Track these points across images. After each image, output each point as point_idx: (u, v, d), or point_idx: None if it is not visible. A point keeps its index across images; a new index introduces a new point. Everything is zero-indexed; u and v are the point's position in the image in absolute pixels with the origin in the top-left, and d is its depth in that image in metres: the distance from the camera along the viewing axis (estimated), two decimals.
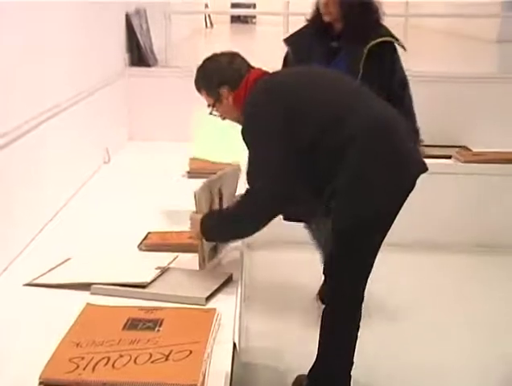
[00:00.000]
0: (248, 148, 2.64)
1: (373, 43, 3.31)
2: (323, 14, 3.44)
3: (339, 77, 2.85)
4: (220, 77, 2.74)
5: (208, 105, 2.83)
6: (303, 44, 3.49)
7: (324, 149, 2.57)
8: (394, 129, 2.69)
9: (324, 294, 2.86)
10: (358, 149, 2.55)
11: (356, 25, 3.34)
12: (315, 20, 3.49)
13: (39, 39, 3.08)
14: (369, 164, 2.58)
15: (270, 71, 2.84)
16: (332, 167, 2.58)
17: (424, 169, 2.74)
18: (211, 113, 2.86)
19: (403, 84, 3.55)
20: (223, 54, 2.82)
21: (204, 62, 2.85)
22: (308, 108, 2.60)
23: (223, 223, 2.61)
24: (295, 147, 2.56)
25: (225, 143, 3.31)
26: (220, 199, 2.74)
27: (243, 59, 2.81)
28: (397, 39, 3.46)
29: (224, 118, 2.85)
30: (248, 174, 2.62)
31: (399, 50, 3.54)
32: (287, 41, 3.64)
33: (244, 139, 2.64)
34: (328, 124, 2.58)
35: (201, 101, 2.90)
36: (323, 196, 2.63)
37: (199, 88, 2.85)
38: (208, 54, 2.87)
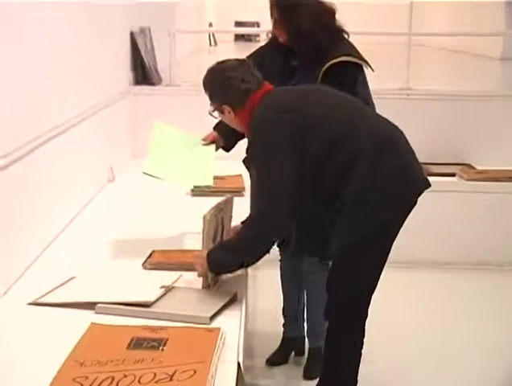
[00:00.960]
0: (255, 164, 2.64)
1: (329, 64, 3.09)
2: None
3: (340, 95, 2.85)
4: (226, 97, 2.73)
5: (211, 104, 2.83)
6: (265, 62, 3.26)
7: (333, 163, 2.57)
8: (398, 144, 2.71)
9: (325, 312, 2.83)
10: (367, 161, 2.56)
11: (309, 46, 3.14)
12: (274, 39, 3.31)
13: (43, 57, 3.10)
14: (379, 174, 2.59)
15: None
16: (341, 181, 2.58)
17: (427, 185, 2.74)
18: (210, 114, 2.86)
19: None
20: (238, 66, 2.75)
21: (217, 70, 2.79)
22: (315, 125, 2.60)
23: (231, 255, 2.57)
24: (302, 164, 2.55)
25: (184, 164, 3.19)
26: (222, 228, 2.72)
27: (254, 71, 2.76)
28: (361, 59, 3.19)
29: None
30: (255, 191, 2.61)
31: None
32: (249, 59, 3.28)
33: (251, 155, 2.63)
34: (336, 140, 2.59)
35: (203, 119, 2.90)
36: (329, 211, 2.63)
37: (205, 90, 2.83)
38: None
